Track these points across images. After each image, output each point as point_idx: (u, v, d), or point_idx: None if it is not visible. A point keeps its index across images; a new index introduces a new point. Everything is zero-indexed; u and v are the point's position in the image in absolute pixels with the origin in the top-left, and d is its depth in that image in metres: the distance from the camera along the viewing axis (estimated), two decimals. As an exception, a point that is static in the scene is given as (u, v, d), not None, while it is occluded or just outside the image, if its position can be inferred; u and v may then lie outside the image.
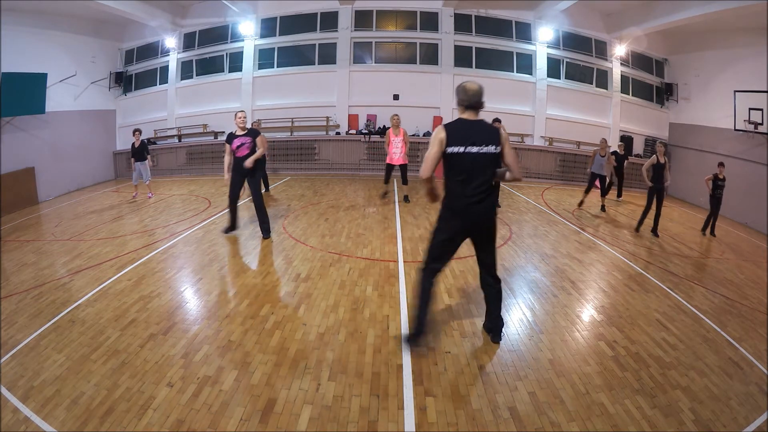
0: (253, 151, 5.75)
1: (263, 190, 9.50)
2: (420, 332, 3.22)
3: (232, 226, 6.22)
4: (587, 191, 9.00)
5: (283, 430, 2.49)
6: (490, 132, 3.03)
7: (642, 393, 2.92)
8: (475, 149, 2.96)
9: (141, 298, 4.22)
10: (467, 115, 3.07)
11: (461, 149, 2.96)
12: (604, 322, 3.94)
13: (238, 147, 5.70)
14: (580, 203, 9.02)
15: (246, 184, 5.94)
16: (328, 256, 5.39)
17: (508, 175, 3.09)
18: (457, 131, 2.99)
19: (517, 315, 3.99)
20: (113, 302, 4.15)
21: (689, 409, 2.79)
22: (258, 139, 5.84)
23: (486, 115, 3.15)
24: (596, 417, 2.65)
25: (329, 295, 4.28)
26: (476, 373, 3.05)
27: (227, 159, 5.82)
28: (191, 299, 4.28)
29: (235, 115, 5.79)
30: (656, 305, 4.42)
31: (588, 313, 4.15)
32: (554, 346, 3.46)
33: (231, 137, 5.75)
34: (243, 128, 5.76)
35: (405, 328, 3.62)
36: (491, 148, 2.99)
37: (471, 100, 3.04)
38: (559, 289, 4.63)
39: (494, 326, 3.46)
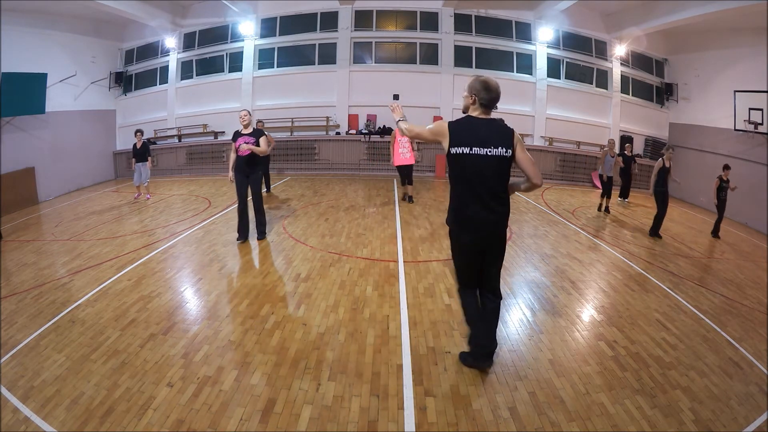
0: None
1: (264, 191, 9.51)
2: (491, 348, 3.02)
3: (243, 232, 5.95)
4: (604, 195, 8.77)
5: (283, 430, 2.49)
6: (502, 132, 2.69)
7: (642, 393, 2.91)
8: (483, 151, 2.63)
9: (141, 298, 4.22)
10: (479, 113, 2.73)
11: (466, 150, 2.64)
12: (604, 322, 3.94)
13: (241, 146, 5.69)
14: (606, 209, 8.76)
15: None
16: (328, 256, 5.39)
17: (523, 185, 2.78)
18: (463, 129, 2.67)
19: (517, 315, 3.99)
20: (113, 302, 4.15)
21: (689, 409, 2.78)
22: (261, 140, 5.78)
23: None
24: (596, 417, 2.65)
25: (329, 295, 4.28)
26: (476, 373, 3.05)
27: (232, 156, 5.83)
28: (191, 299, 4.28)
29: (240, 114, 5.79)
30: (656, 305, 4.42)
31: (588, 313, 4.15)
32: (554, 346, 3.46)
33: (236, 135, 5.75)
34: (246, 126, 5.74)
35: (405, 330, 3.61)
36: (501, 151, 2.64)
37: (492, 99, 2.69)
38: (559, 289, 4.63)
39: (486, 348, 3.02)
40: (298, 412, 2.63)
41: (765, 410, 2.85)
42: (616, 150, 9.42)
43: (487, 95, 2.68)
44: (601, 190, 8.90)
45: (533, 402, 2.77)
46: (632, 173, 9.79)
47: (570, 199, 9.98)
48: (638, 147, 13.35)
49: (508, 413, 2.66)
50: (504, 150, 2.65)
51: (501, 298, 2.99)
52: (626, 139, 12.77)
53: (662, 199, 7.24)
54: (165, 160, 13.32)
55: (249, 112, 5.86)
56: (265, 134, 5.84)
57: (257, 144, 5.70)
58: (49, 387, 2.87)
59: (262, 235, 6.08)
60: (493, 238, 2.81)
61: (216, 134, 13.13)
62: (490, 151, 2.64)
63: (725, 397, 2.95)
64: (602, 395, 2.86)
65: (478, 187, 2.68)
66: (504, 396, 2.81)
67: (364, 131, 12.61)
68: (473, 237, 2.78)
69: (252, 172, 5.79)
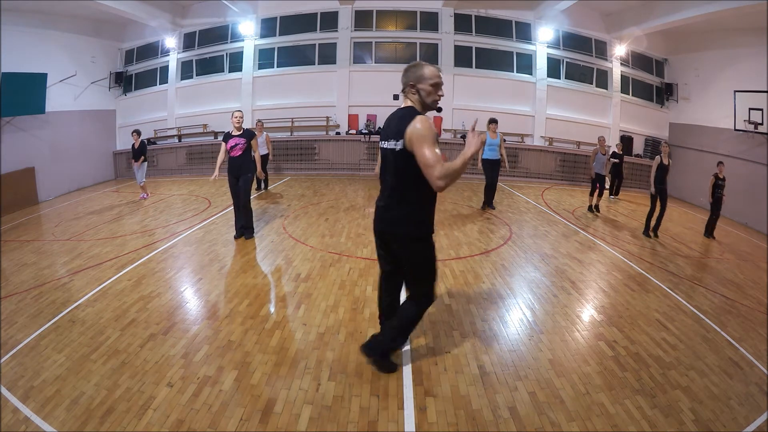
0: (246, 152, 5.78)
1: (263, 189, 9.53)
2: (383, 346, 2.99)
3: (240, 230, 6.13)
4: (593, 193, 8.78)
5: (283, 430, 2.49)
6: (398, 123, 2.41)
7: (642, 393, 2.91)
8: (384, 143, 2.53)
9: (141, 298, 4.22)
10: (402, 102, 2.58)
11: (382, 143, 2.56)
12: (604, 322, 3.94)
13: (232, 147, 5.74)
14: (596, 207, 8.75)
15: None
16: (328, 256, 5.39)
17: None
18: (385, 123, 2.62)
19: (517, 315, 3.99)
20: (113, 302, 4.15)
21: (689, 409, 2.79)
22: (252, 141, 5.85)
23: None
24: (596, 417, 2.65)
25: (329, 295, 4.28)
26: (476, 373, 3.05)
27: (220, 158, 5.89)
28: (191, 299, 4.28)
29: (232, 114, 5.83)
30: (656, 305, 4.42)
31: (588, 313, 4.15)
32: (554, 346, 3.46)
33: (227, 136, 5.80)
34: (239, 128, 5.79)
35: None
36: (392, 144, 2.43)
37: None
38: (559, 289, 4.63)
39: (376, 342, 2.93)
40: (298, 412, 2.63)
41: (765, 410, 2.85)
42: (608, 148, 9.40)
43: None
44: (594, 189, 8.85)
45: (533, 402, 2.77)
46: (623, 171, 9.83)
47: (570, 199, 9.98)
48: (638, 147, 13.35)
49: (508, 413, 2.66)
50: (394, 143, 2.42)
51: (415, 302, 2.78)
52: (626, 139, 12.78)
53: (662, 196, 7.24)
54: (165, 160, 13.32)
55: (242, 114, 5.90)
56: (255, 135, 5.90)
57: (248, 145, 5.78)
58: (49, 387, 2.87)
59: (249, 235, 6.10)
60: (393, 240, 2.65)
61: (216, 134, 13.12)
62: (387, 144, 2.52)
63: (725, 397, 2.95)
64: (602, 395, 2.86)
65: (383, 182, 2.64)
66: (504, 396, 2.81)
67: (364, 131, 12.61)
68: (376, 231, 2.75)
69: (242, 174, 5.83)
